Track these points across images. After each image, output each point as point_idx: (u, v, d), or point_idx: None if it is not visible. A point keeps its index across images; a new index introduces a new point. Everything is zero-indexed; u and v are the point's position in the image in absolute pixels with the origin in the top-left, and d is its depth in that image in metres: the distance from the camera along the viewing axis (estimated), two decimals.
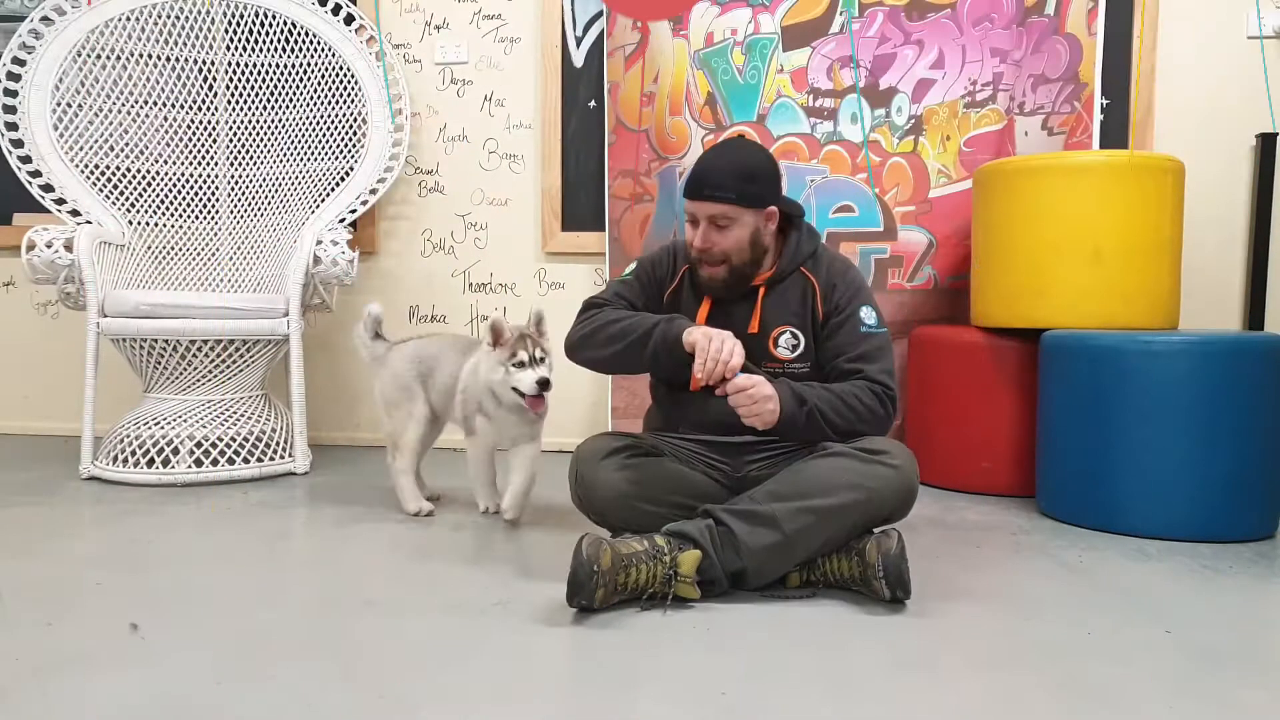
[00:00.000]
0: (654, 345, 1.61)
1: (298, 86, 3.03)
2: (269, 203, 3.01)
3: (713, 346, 1.53)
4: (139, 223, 2.86)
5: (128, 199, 2.86)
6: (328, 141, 3.01)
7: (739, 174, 1.63)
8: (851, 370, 1.65)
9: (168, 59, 2.96)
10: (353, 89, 2.99)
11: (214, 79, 3.01)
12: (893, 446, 1.59)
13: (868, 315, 1.69)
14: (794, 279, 1.72)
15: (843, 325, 1.68)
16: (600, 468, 1.67)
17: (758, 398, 1.55)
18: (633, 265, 1.83)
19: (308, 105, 3.03)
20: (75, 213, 2.72)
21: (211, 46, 3.00)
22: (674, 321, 1.62)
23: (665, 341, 1.60)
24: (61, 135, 2.78)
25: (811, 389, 1.62)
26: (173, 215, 2.94)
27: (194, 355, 2.50)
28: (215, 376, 2.55)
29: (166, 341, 2.47)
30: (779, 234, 1.73)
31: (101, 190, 2.82)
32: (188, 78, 2.98)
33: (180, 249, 2.93)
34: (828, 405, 1.61)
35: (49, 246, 2.47)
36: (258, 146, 3.03)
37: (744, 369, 1.57)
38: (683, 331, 1.59)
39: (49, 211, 2.76)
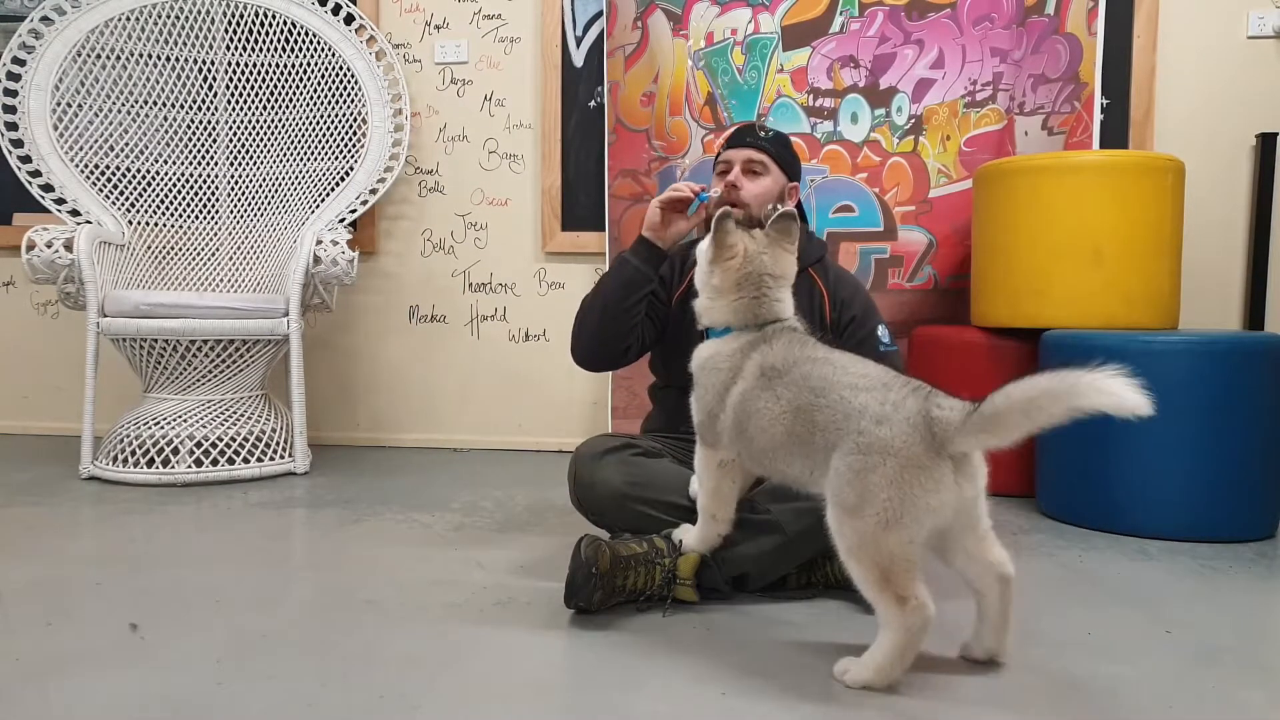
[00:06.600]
0: (624, 266, 1.70)
1: (298, 86, 3.03)
2: (269, 203, 3.01)
3: (668, 193, 1.69)
4: (139, 223, 2.86)
5: (128, 199, 2.86)
6: (328, 141, 3.01)
7: (777, 137, 1.82)
8: None
9: (168, 59, 2.96)
10: (353, 89, 2.99)
11: (214, 79, 3.01)
12: None
13: (884, 334, 1.75)
14: (802, 280, 1.67)
15: (862, 343, 1.68)
16: (598, 467, 1.63)
17: None
18: None
19: (308, 105, 3.03)
20: (75, 213, 2.72)
21: (211, 46, 3.00)
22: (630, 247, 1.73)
23: (633, 252, 1.70)
24: (61, 135, 2.78)
25: None
26: (173, 215, 2.94)
27: (194, 355, 2.50)
28: (215, 376, 2.55)
29: (166, 341, 2.47)
30: None
31: (101, 190, 2.82)
32: (188, 78, 2.98)
33: (180, 249, 2.93)
34: None
35: (49, 246, 2.47)
36: (258, 146, 3.03)
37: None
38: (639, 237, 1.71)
39: (49, 211, 2.76)
